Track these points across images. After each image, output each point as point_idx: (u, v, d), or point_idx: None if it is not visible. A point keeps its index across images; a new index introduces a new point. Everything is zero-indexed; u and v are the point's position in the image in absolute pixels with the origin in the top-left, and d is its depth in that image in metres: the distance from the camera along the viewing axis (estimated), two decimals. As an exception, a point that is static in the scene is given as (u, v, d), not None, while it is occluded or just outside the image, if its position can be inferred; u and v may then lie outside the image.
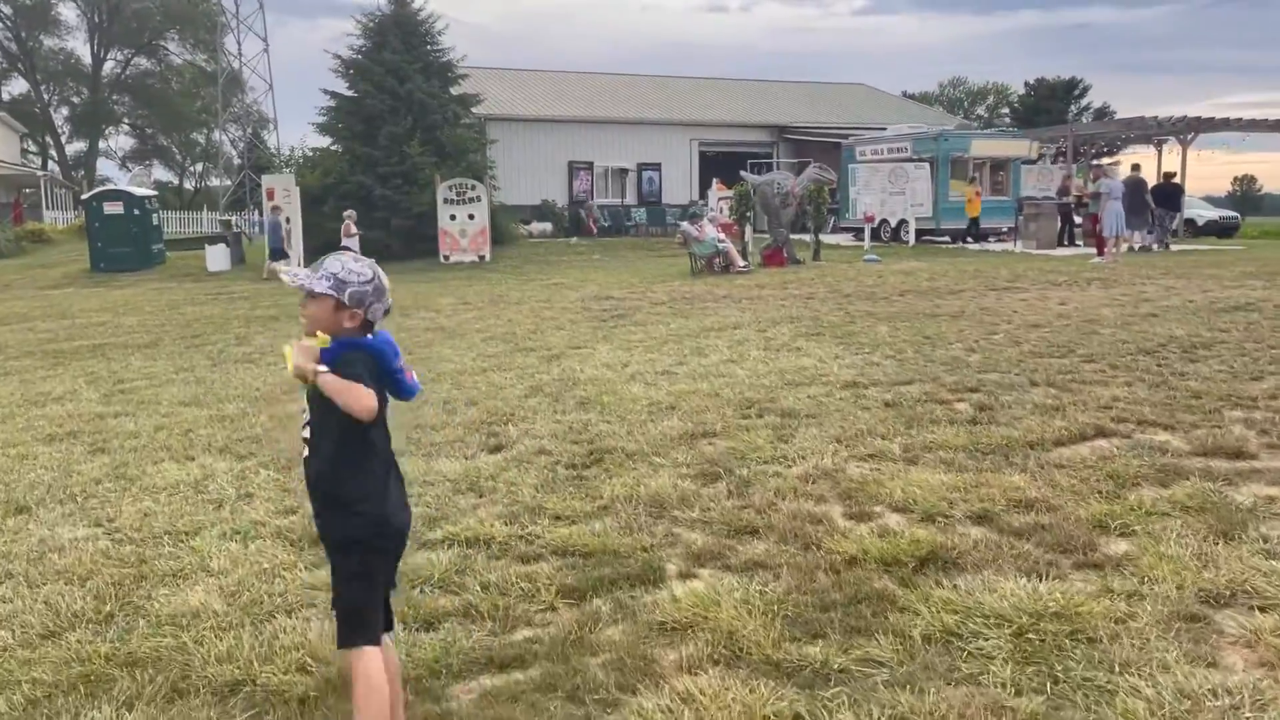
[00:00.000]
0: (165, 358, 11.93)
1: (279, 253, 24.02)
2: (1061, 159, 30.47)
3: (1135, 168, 23.90)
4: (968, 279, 16.69)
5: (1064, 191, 25.49)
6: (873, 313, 12.72)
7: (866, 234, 25.05)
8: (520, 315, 14.23)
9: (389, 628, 3.01)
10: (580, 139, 36.75)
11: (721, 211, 23.32)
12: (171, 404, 8.93)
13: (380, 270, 3.02)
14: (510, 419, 7.51)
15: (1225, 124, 27.12)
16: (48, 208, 46.87)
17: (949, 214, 26.65)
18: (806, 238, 22.80)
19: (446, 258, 25.82)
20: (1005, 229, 27.97)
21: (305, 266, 3.30)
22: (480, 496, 5.53)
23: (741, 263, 19.80)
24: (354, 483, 2.86)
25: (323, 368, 2.79)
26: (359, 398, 2.75)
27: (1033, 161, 28.40)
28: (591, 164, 37.12)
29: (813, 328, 11.57)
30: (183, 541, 5.03)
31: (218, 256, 26.93)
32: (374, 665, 2.79)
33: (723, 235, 20.50)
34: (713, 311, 13.66)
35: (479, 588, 4.10)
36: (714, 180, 34.03)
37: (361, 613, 2.83)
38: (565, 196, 36.72)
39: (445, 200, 26.03)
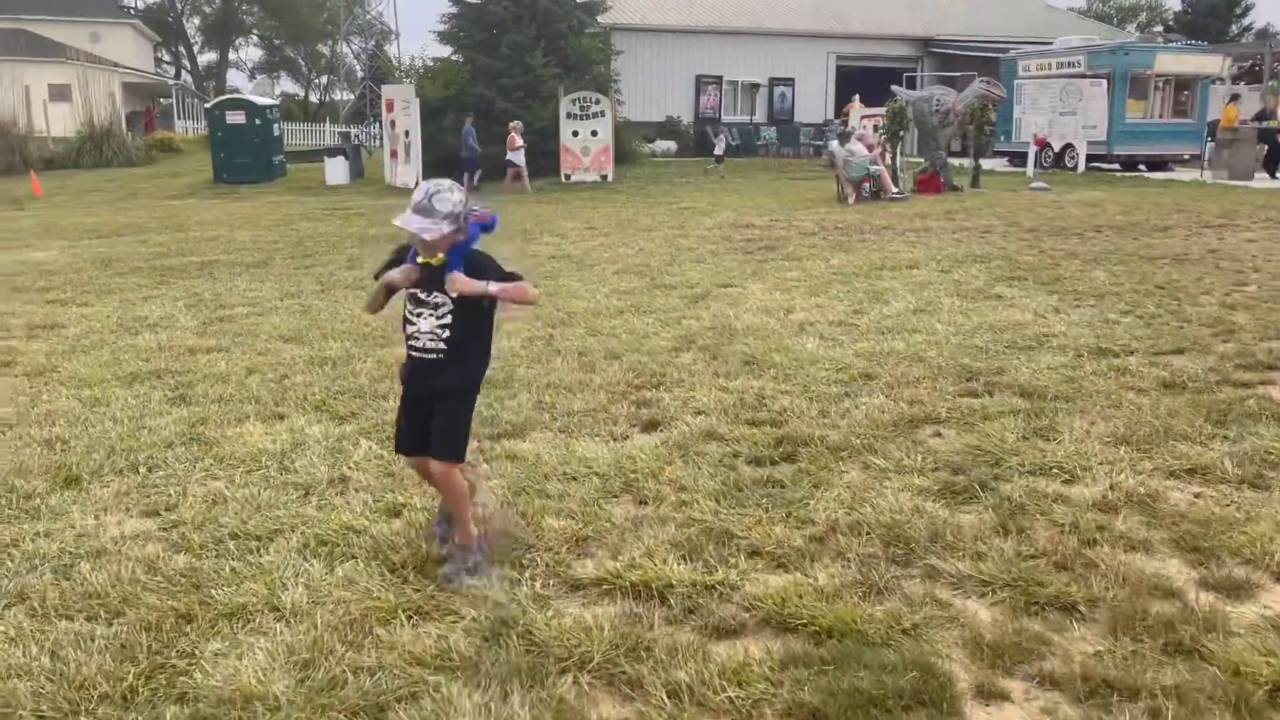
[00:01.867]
0: (273, 280, 10.87)
1: (471, 164, 22.72)
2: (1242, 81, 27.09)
3: None
4: (1168, 213, 14.40)
5: (1265, 115, 22.40)
6: (1073, 252, 10.77)
7: (1031, 159, 22.50)
8: (653, 244, 12.72)
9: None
10: (709, 51, 34.52)
11: (871, 130, 21.17)
12: (270, 337, 7.79)
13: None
14: (662, 381, 6.07)
15: None
16: (179, 117, 47.25)
17: (1124, 138, 23.78)
18: (962, 162, 20.51)
19: (567, 177, 24.39)
20: (1187, 156, 24.97)
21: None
22: (641, 505, 4.11)
23: (894, 189, 17.79)
24: (480, 344, 3.59)
25: (492, 286, 3.41)
26: (525, 293, 3.54)
27: (1222, 80, 25.15)
28: (720, 78, 34.92)
29: (1008, 270, 9.74)
30: (252, 553, 3.77)
31: (336, 169, 26.10)
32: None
33: (875, 158, 18.46)
34: (876, 245, 11.89)
35: (662, 693, 2.68)
36: (854, 97, 31.53)
37: (467, 438, 3.66)
38: (691, 113, 34.72)
39: (568, 115, 24.49)
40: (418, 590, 3.38)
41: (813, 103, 35.58)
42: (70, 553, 3.85)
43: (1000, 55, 29.04)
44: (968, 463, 4.37)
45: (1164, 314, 7.48)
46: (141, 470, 4.79)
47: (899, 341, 6.84)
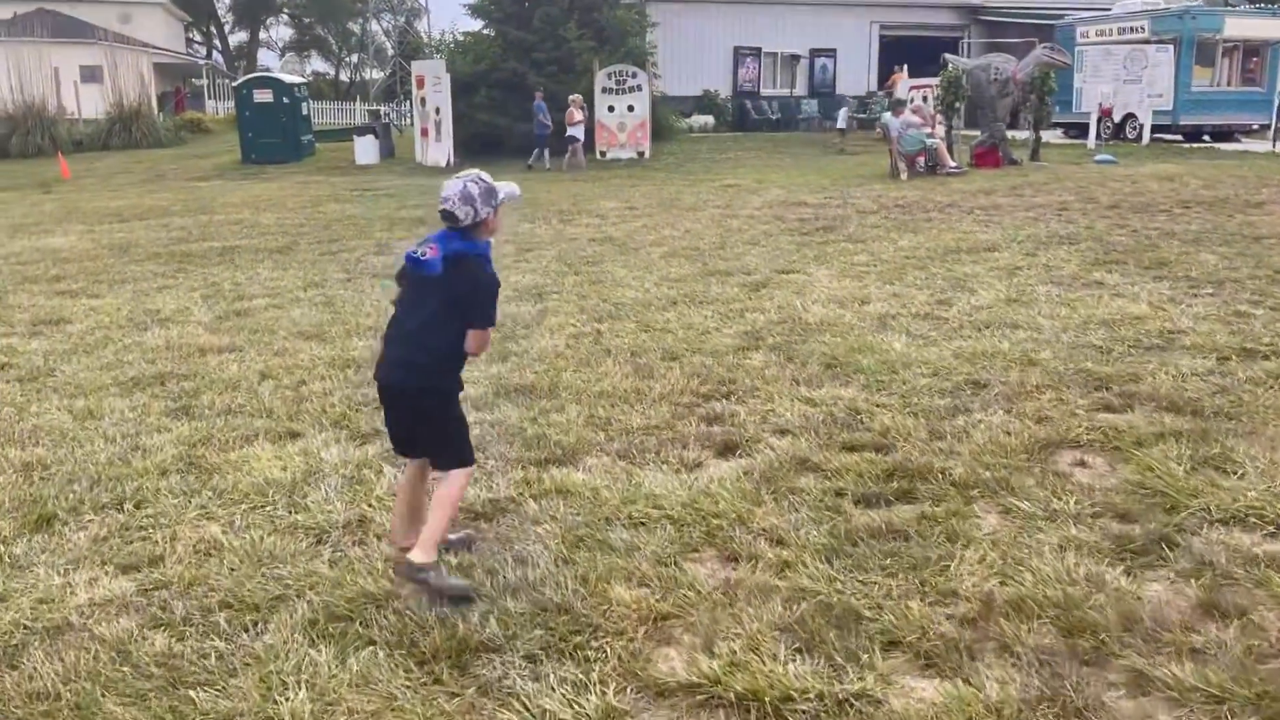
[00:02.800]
0: (296, 266, 10.12)
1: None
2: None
3: None
4: (1255, 188, 13.30)
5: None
6: (1168, 231, 9.78)
7: (1092, 130, 21.28)
8: (700, 225, 11.85)
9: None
10: (748, 21, 33.34)
11: (924, 101, 20.10)
12: (290, 334, 7.04)
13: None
14: (732, 390, 5.23)
15: None
16: (209, 98, 46.77)
17: (1190, 107, 22.48)
18: (1016, 135, 19.40)
19: (603, 153, 23.48)
20: (1256, 126, 23.61)
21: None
22: (731, 563, 3.29)
23: (952, 162, 16.75)
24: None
25: None
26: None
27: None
28: (759, 50, 33.74)
29: (1101, 252, 8.78)
30: (246, 630, 3.00)
31: (366, 148, 25.36)
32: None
33: (930, 130, 17.40)
34: (944, 225, 10.94)
35: None
36: (895, 68, 30.31)
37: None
38: (729, 86, 33.62)
39: (604, 90, 23.56)
40: (454, 696, 2.58)
41: (855, 74, 34.32)
42: (25, 627, 3.10)
43: (1055, 22, 27.70)
44: (1135, 506, 3.51)
45: (1300, 304, 6.53)
46: (127, 507, 4.04)
47: (1000, 339, 5.94)
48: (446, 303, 3.19)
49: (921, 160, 16.73)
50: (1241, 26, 22.76)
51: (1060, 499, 3.58)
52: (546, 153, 21.80)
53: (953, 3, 34.82)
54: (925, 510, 3.56)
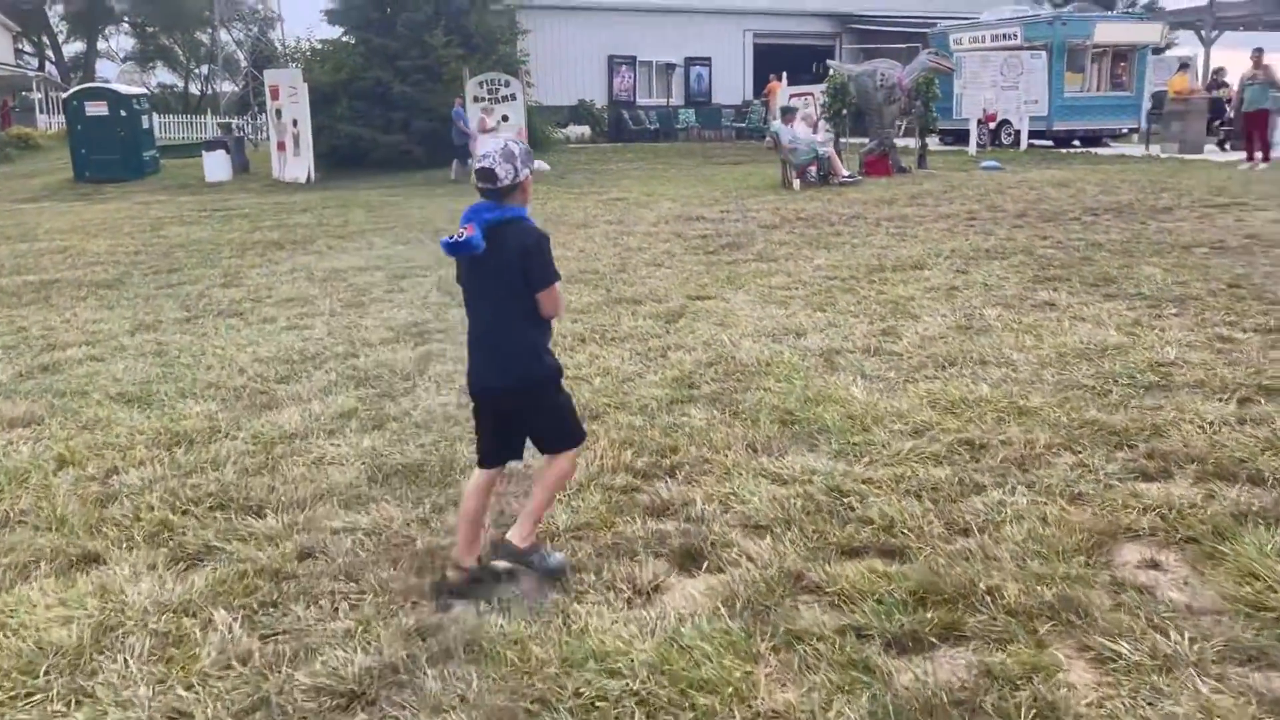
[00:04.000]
0: (125, 304, 8.60)
1: (463, 151, 20.23)
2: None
3: None
4: (1154, 192, 13.04)
5: (1215, 85, 21.49)
6: (1094, 242, 9.21)
7: (973, 136, 21.16)
8: (594, 244, 10.78)
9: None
10: (622, 29, 32.49)
11: (814, 108, 19.54)
12: (107, 397, 5.64)
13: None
14: (676, 463, 4.18)
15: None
16: (42, 112, 43.24)
17: (1063, 112, 22.66)
18: (907, 142, 19.04)
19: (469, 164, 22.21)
20: (1125, 130, 24.03)
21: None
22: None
23: (845, 172, 16.15)
24: None
25: None
26: None
27: (1161, 50, 24.27)
28: (634, 58, 32.96)
29: (1036, 267, 8.09)
30: None
31: (217, 164, 23.33)
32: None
33: (822, 139, 16.82)
34: (857, 239, 10.17)
35: None
36: (773, 76, 29.97)
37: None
38: (605, 96, 32.71)
39: (475, 99, 22.27)
40: None
41: (730, 82, 33.92)
42: None
43: (924, 30, 27.78)
44: (1269, 643, 2.59)
45: (1277, 324, 5.88)
46: None
47: (974, 381, 5.06)
48: (505, 278, 2.97)
49: (813, 170, 16.08)
50: (1110, 32, 23.10)
51: (1161, 633, 2.64)
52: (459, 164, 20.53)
53: (824, 10, 34.82)
54: (987, 660, 2.57)
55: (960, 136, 22.69)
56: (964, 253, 8.90)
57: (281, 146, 22.26)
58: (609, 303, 7.62)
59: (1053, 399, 4.69)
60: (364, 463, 4.40)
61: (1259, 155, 16.06)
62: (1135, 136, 23.85)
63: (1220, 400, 4.52)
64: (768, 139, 16.86)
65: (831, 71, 19.50)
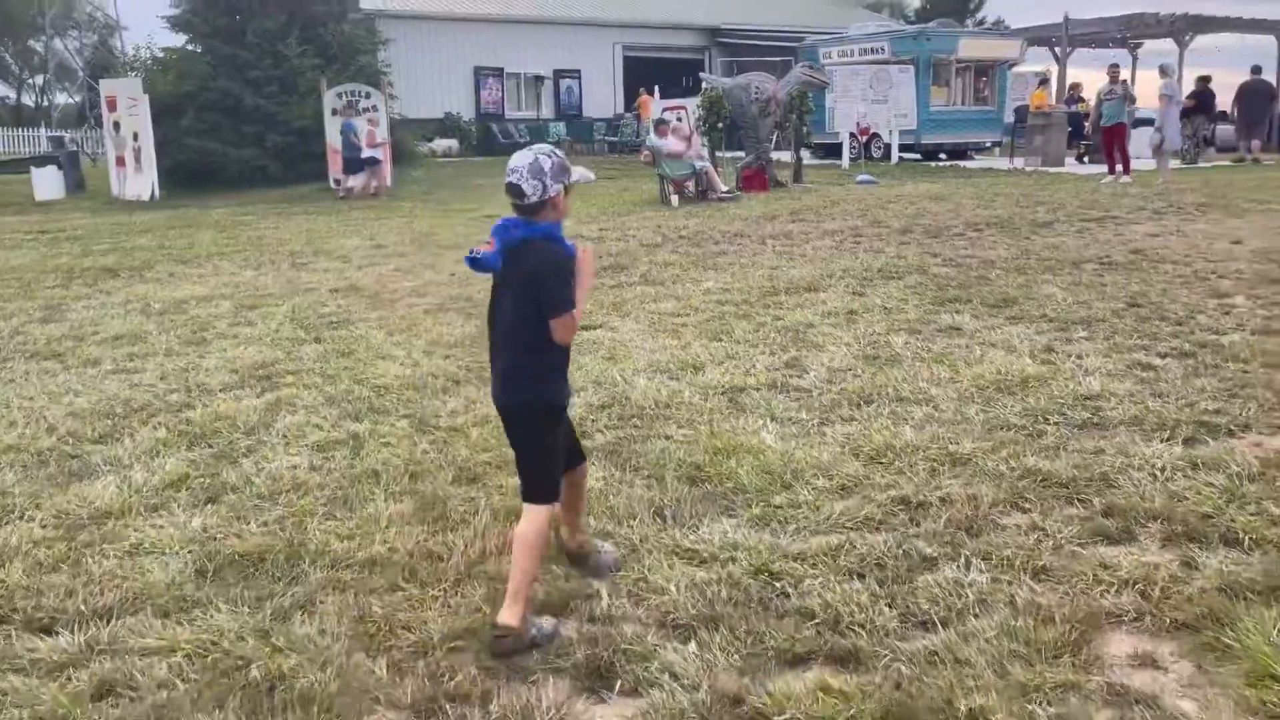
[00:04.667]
0: (-79, 347, 7.42)
1: (355, 164, 19.06)
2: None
3: (1257, 70, 20.71)
4: (1030, 206, 13.11)
5: (1072, 100, 22.16)
6: (986, 259, 9.00)
7: (845, 150, 21.23)
8: (466, 267, 10.01)
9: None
10: (488, 40, 31.67)
11: (688, 122, 19.18)
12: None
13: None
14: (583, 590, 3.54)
15: (1225, 23, 24.15)
16: None
17: (931, 126, 23.03)
18: (782, 155, 18.89)
19: (338, 183, 21.03)
20: (989, 144, 24.62)
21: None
22: None
23: (724, 187, 15.82)
24: None
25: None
26: None
27: (1013, 64, 24.96)
28: (501, 70, 32.18)
29: (934, 288, 7.78)
30: None
31: (47, 181, 21.45)
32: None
33: (701, 153, 16.46)
34: (745, 259, 9.74)
35: None
36: (641, 90, 29.69)
37: None
38: (473, 108, 31.81)
39: (334, 111, 21.10)
40: None
41: (601, 95, 33.52)
42: None
43: (793, 44, 27.97)
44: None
45: (1194, 348, 5.64)
46: None
47: (896, 422, 4.59)
48: (521, 298, 2.88)
49: (690, 185, 15.70)
50: (973, 47, 23.62)
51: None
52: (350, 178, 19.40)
53: (693, 24, 34.83)
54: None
55: (831, 150, 22.79)
56: (857, 272, 8.55)
57: (121, 162, 20.61)
58: (485, 335, 6.91)
59: (985, 443, 4.25)
60: (191, 551, 3.61)
61: (1120, 169, 16.47)
62: (997, 150, 24.45)
63: (1162, 440, 4.16)
64: (644, 153, 16.39)
65: (705, 84, 19.21)
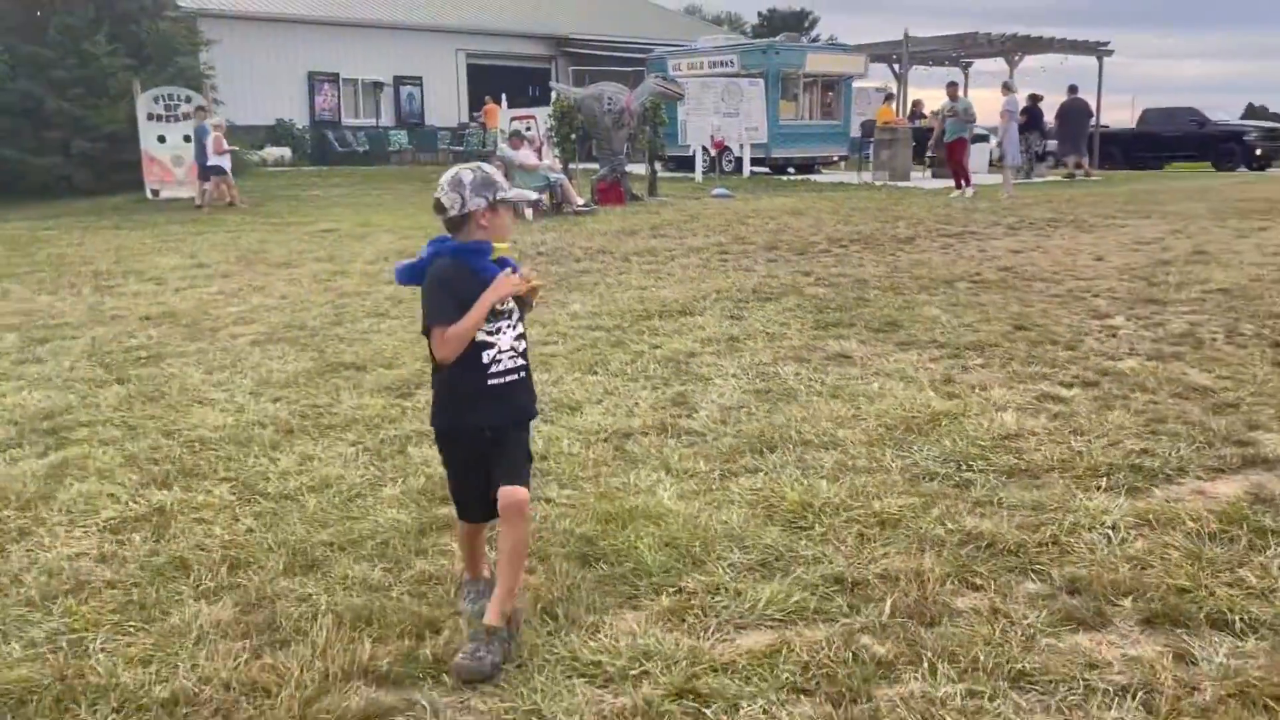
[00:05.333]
0: None
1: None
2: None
3: (1074, 89, 21.41)
4: (889, 221, 13.04)
5: (915, 116, 22.62)
6: (859, 278, 8.68)
7: (698, 163, 20.98)
8: (302, 288, 9.05)
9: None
10: (322, 43, 30.07)
11: (539, 132, 18.45)
12: None
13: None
14: (440, 648, 2.81)
15: (1051, 44, 25.26)
16: None
17: (781, 140, 23.09)
18: (635, 168, 18.43)
19: (156, 193, 19.24)
20: (836, 157, 24.93)
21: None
22: None
23: (579, 200, 15.21)
24: None
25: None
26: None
27: (854, 78, 25.37)
28: (338, 75, 30.63)
29: (814, 310, 7.35)
30: None
31: None
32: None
33: (554, 164, 15.81)
34: (611, 279, 9.13)
35: None
36: (487, 98, 28.82)
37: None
38: (307, 115, 30.14)
39: (150, 116, 19.33)
40: None
41: (445, 103, 32.40)
42: None
43: (640, 55, 27.71)
44: None
45: (1096, 376, 5.35)
46: None
47: (806, 472, 4.05)
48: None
49: (544, 200, 15.01)
50: (820, 62, 23.85)
51: None
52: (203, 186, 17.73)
53: (539, 33, 34.16)
54: None
55: (683, 163, 22.54)
56: (730, 293, 8.06)
57: (-102, 171, 18.32)
58: (323, 371, 6.05)
59: (911, 498, 3.75)
60: (-75, 691, 2.69)
61: (964, 182, 16.78)
62: (843, 164, 24.79)
63: (1100, 490, 3.75)
64: (495, 163, 15.58)
65: (556, 94, 18.57)
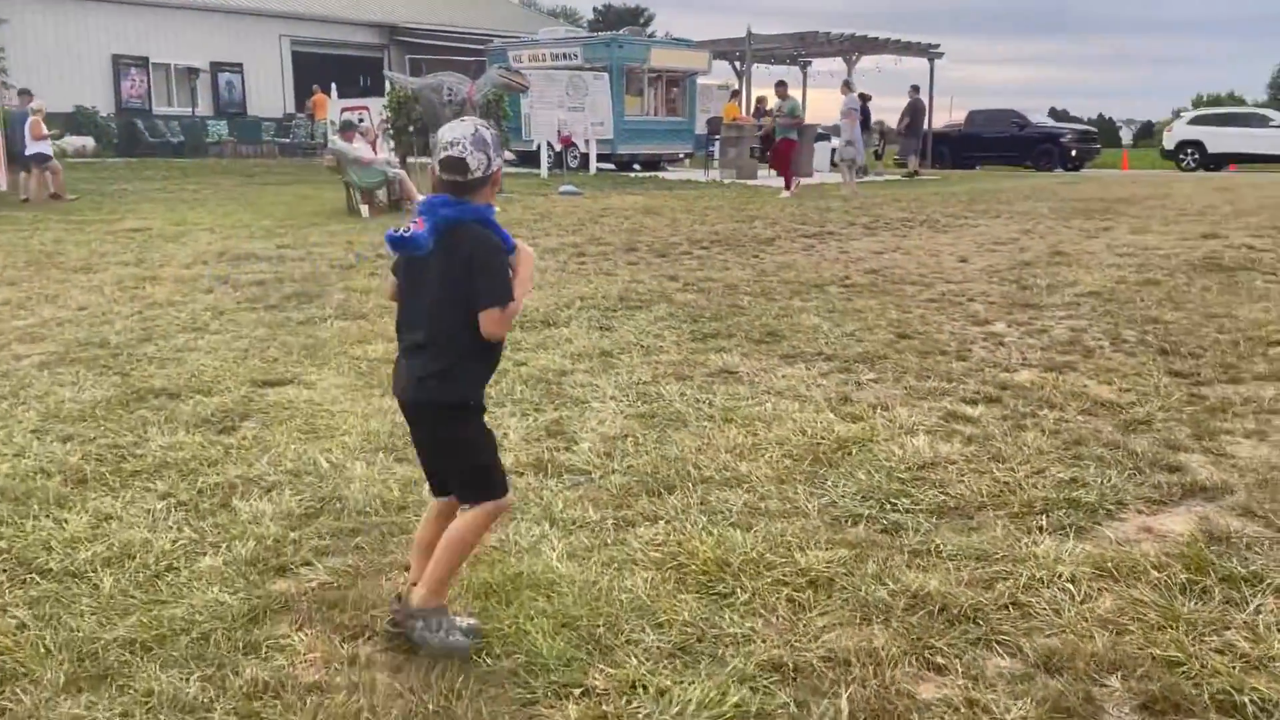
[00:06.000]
0: None
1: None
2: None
3: (915, 89, 21.64)
4: (748, 220, 12.75)
5: (760, 113, 22.57)
6: (729, 284, 8.24)
7: (544, 158, 20.27)
8: (103, 297, 7.92)
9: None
10: (128, 25, 27.68)
11: (374, 123, 17.28)
12: None
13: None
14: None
15: (886, 45, 25.81)
16: None
17: (627, 136, 22.65)
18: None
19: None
20: (682, 155, 24.72)
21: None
22: None
23: (420, 197, 14.25)
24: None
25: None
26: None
27: (700, 74, 25.22)
28: (146, 60, 28.29)
29: (688, 320, 6.84)
30: None
31: None
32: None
33: (391, 158, 14.81)
34: (460, 283, 8.37)
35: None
36: (315, 87, 27.24)
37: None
38: (112, 102, 27.72)
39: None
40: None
41: (269, 93, 30.47)
42: None
43: (477, 45, 26.74)
44: None
45: (997, 391, 5.05)
46: None
47: (714, 519, 3.51)
48: (448, 286, 2.56)
49: (382, 194, 14.04)
50: (664, 57, 23.52)
51: None
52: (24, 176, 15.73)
53: (370, 20, 32.59)
54: None
55: (527, 159, 21.80)
56: (595, 301, 7.47)
57: None
58: (127, 400, 5.11)
59: (839, 548, 3.26)
60: None
61: (787, 185, 16.72)
62: (688, 161, 24.60)
63: (1043, 530, 3.37)
64: (327, 158, 14.47)
65: (391, 83, 17.52)
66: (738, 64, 25.13)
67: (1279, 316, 6.54)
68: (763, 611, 2.89)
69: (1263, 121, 28.13)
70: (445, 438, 2.70)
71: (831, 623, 2.82)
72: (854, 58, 25.27)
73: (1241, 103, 70.49)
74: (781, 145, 17.27)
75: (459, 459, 2.71)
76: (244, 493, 3.89)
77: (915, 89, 22.74)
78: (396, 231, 2.55)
